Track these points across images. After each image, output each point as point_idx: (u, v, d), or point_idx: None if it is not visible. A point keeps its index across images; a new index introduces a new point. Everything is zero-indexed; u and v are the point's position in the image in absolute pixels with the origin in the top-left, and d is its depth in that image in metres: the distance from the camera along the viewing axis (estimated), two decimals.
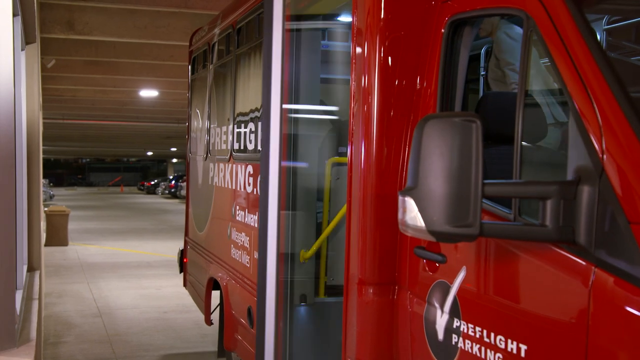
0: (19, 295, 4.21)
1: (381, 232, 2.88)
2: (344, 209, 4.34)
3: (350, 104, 3.06)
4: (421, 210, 1.99)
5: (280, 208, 3.72)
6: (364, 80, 2.96)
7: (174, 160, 68.28)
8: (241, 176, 5.12)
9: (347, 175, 3.06)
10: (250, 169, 4.92)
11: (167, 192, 46.43)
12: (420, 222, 2.00)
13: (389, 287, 2.87)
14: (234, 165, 5.34)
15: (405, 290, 2.81)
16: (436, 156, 1.97)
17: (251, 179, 4.89)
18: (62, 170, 76.70)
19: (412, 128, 2.88)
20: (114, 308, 9.75)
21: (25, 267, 5.70)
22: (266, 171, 3.67)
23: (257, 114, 4.84)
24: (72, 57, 12.60)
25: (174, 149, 51.19)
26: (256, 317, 3.78)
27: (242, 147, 5.20)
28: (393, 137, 2.91)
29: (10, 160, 3.12)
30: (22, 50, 6.09)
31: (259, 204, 3.65)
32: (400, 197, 2.06)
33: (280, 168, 3.72)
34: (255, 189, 4.74)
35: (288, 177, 4.58)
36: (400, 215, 2.07)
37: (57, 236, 16.88)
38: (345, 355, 3.02)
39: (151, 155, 65.91)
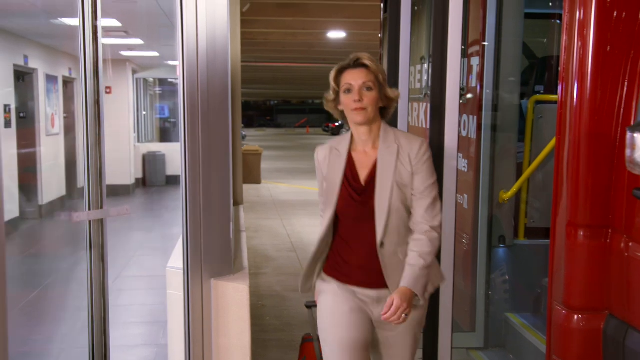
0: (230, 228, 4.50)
1: (594, 173, 2.74)
2: (546, 150, 4.19)
3: (562, 38, 2.92)
4: None
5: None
6: (579, 13, 2.79)
7: None
8: None
9: (557, 114, 2.93)
10: None
11: None
12: None
13: (602, 230, 2.75)
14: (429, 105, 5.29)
15: (620, 234, 2.67)
16: None
17: None
18: (252, 112, 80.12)
19: (632, 64, 2.69)
20: (306, 244, 10.17)
21: (231, 202, 6.07)
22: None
23: None
24: (265, 1, 12.98)
25: None
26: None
27: None
28: (610, 74, 2.74)
29: (226, 103, 3.28)
30: None
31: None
32: (628, 134, 1.95)
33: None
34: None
35: (487, 117, 4.48)
36: (628, 153, 1.96)
37: (251, 174, 17.81)
38: (551, 299, 2.95)
39: None
